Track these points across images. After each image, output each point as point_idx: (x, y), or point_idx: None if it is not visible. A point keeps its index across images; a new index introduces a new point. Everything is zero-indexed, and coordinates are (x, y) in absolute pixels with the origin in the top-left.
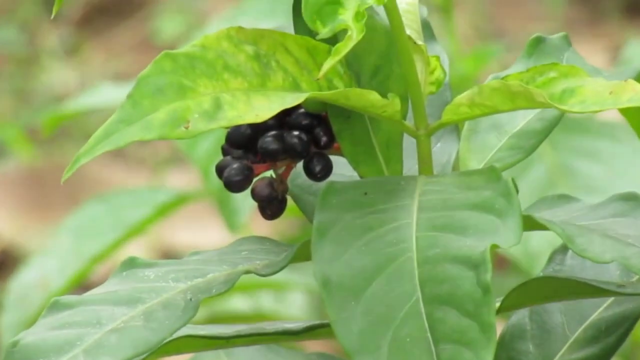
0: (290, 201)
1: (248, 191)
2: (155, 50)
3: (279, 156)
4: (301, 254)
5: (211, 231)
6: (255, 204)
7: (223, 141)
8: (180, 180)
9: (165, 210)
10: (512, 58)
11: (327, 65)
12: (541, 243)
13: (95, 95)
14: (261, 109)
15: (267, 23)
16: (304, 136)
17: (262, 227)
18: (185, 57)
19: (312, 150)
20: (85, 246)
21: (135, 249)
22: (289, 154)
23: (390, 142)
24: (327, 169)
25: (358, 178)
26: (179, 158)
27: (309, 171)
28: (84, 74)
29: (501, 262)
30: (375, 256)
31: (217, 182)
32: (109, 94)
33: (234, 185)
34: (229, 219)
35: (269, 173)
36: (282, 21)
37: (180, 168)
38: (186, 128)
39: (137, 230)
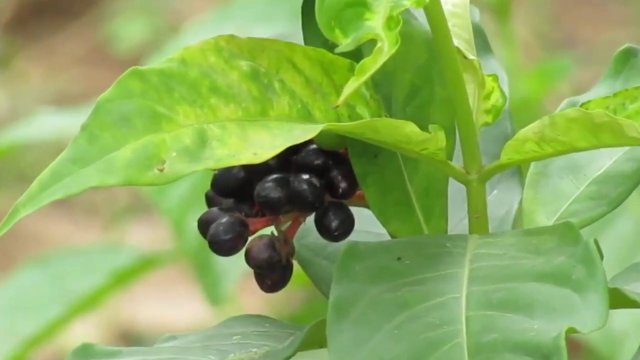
0: (296, 267)
1: (238, 253)
2: (111, 62)
3: (282, 207)
4: (312, 339)
5: (187, 306)
6: (247, 270)
7: (204, 185)
8: (145, 237)
9: (125, 277)
10: (588, 75)
11: (349, 88)
12: (626, 323)
13: (33, 125)
14: (260, 145)
15: (263, 29)
16: (316, 181)
17: (257, 300)
18: (159, 75)
19: (326, 200)
20: (19, 324)
21: (86, 328)
22: (297, 204)
23: (432, 190)
24: (347, 224)
25: (388, 237)
26: (144, 207)
27: (322, 227)
28: (16, 95)
29: (572, 346)
30: (411, 343)
31: (194, 240)
32: (51, 123)
33: (223, 246)
34: (211, 289)
35: (270, 230)
36: (283, 27)
37: (146, 220)
38: (160, 170)
39: (87, 303)
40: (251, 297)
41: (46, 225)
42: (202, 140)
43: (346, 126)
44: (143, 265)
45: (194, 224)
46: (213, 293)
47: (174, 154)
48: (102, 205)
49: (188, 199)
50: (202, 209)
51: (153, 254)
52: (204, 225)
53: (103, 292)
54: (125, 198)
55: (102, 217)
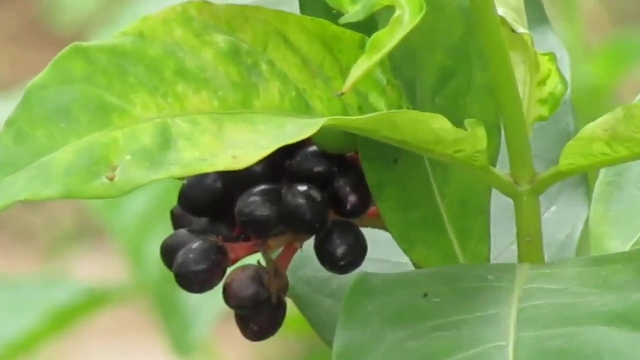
0: (291, 307)
1: (215, 289)
2: (48, 40)
3: (272, 229)
4: None
5: (146, 356)
6: (226, 310)
7: (169, 199)
8: (93, 267)
9: (68, 317)
10: None
11: (360, 70)
12: None
13: None
14: (242, 146)
15: None
16: (316, 194)
17: (239, 351)
18: (109, 54)
19: (330, 219)
20: None
21: None
22: (291, 224)
23: (469, 206)
24: (357, 251)
25: (412, 268)
26: (91, 229)
27: (325, 255)
28: None
29: None
30: None
31: (156, 271)
32: None
33: (194, 280)
34: (178, 335)
35: (255, 258)
36: None
37: (94, 246)
38: (110, 179)
39: (18, 349)
40: (231, 346)
41: None
42: (166, 139)
43: (356, 121)
44: (91, 303)
45: (156, 250)
46: (181, 340)
47: (129, 157)
48: (38, 227)
49: (148, 217)
50: (166, 231)
51: (103, 289)
52: (169, 252)
53: (39, 336)
54: (68, 217)
55: (39, 243)
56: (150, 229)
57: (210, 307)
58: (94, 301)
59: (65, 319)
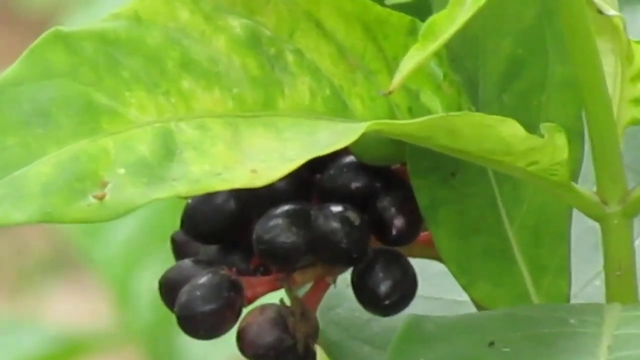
0: (321, 356)
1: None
2: (17, 22)
3: (299, 260)
4: None
5: None
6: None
7: (166, 222)
8: (71, 307)
9: None
10: None
11: (410, 62)
12: None
13: None
14: (263, 158)
15: None
16: (353, 216)
17: None
18: (97, 42)
19: (371, 248)
20: None
21: None
22: (322, 254)
23: (544, 231)
24: (405, 287)
25: (473, 309)
26: (69, 261)
27: (365, 292)
28: None
29: None
30: None
31: (149, 312)
32: None
33: (201, 324)
34: None
35: (277, 296)
36: None
37: (72, 281)
38: (99, 199)
39: None
40: None
41: None
42: (168, 148)
43: (405, 125)
44: (68, 352)
45: (146, 286)
46: None
47: (122, 171)
48: (5, 258)
49: (136, 244)
50: (161, 262)
51: (83, 335)
52: (170, 288)
53: None
54: (42, 246)
55: (5, 274)
56: (139, 259)
57: (218, 356)
58: (71, 349)
59: None
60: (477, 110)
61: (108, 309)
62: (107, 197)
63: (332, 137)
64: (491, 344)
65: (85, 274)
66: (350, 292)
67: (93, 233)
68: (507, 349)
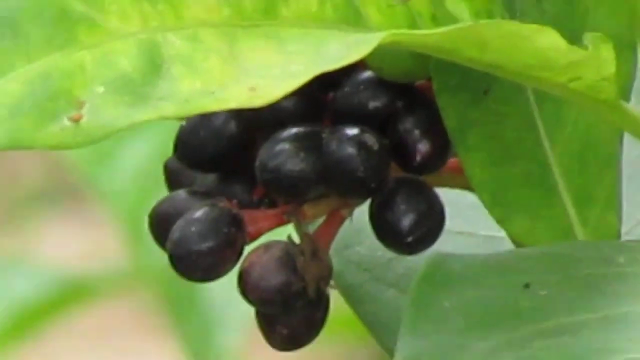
0: (336, 301)
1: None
2: None
3: (308, 190)
4: None
5: None
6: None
7: (167, 148)
8: (72, 244)
9: (36, 315)
10: None
11: None
12: None
13: None
14: (264, 73)
15: None
16: (371, 140)
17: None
18: None
19: (392, 177)
20: None
21: None
22: (335, 184)
23: (590, 157)
24: (430, 221)
25: (508, 245)
26: (69, 191)
27: (385, 228)
28: None
29: None
30: None
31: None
32: None
33: (195, 264)
34: (197, 342)
35: (284, 232)
36: None
37: (73, 215)
38: (74, 121)
39: None
40: (269, 356)
41: None
42: (154, 63)
43: (428, 36)
44: (69, 296)
45: None
46: (201, 349)
47: (101, 89)
48: None
49: (151, 172)
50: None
51: (86, 276)
52: (161, 223)
53: None
54: (37, 174)
55: None
56: (153, 189)
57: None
58: (73, 292)
59: (31, 317)
60: (512, 18)
61: (117, 246)
62: (84, 119)
63: (343, 49)
64: (526, 286)
65: (87, 207)
66: (368, 228)
67: (98, 159)
68: (544, 292)
